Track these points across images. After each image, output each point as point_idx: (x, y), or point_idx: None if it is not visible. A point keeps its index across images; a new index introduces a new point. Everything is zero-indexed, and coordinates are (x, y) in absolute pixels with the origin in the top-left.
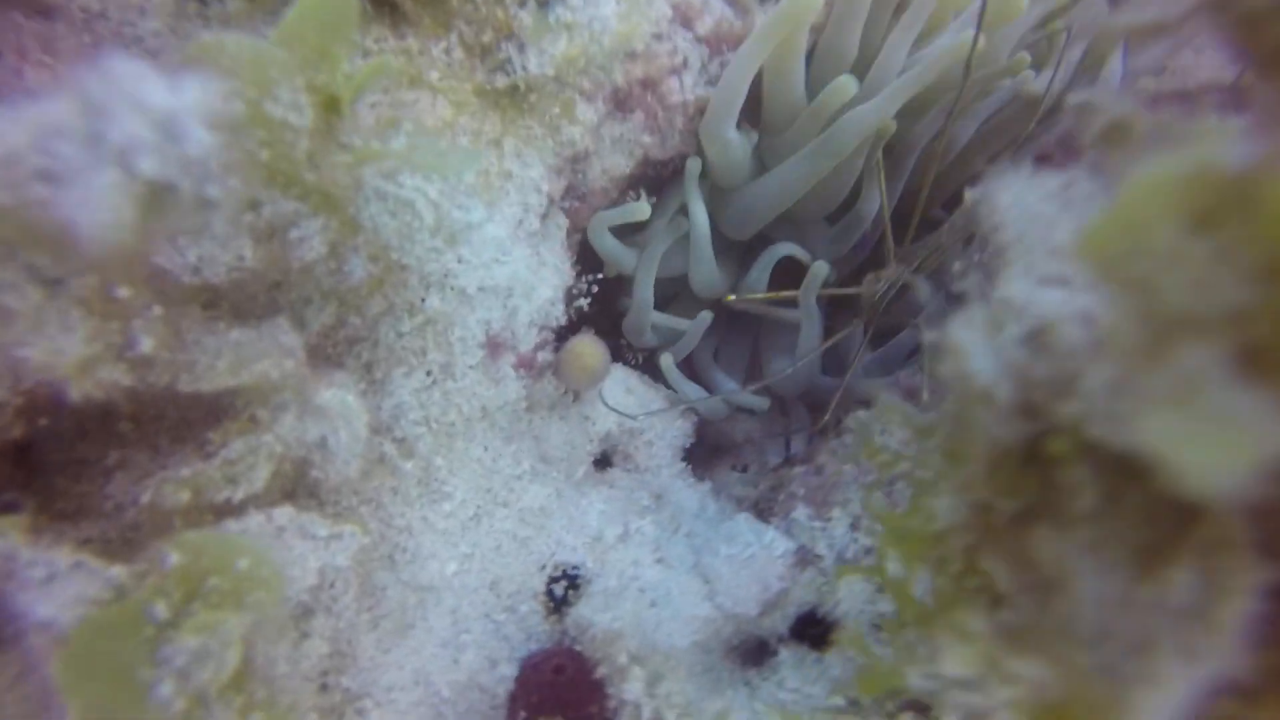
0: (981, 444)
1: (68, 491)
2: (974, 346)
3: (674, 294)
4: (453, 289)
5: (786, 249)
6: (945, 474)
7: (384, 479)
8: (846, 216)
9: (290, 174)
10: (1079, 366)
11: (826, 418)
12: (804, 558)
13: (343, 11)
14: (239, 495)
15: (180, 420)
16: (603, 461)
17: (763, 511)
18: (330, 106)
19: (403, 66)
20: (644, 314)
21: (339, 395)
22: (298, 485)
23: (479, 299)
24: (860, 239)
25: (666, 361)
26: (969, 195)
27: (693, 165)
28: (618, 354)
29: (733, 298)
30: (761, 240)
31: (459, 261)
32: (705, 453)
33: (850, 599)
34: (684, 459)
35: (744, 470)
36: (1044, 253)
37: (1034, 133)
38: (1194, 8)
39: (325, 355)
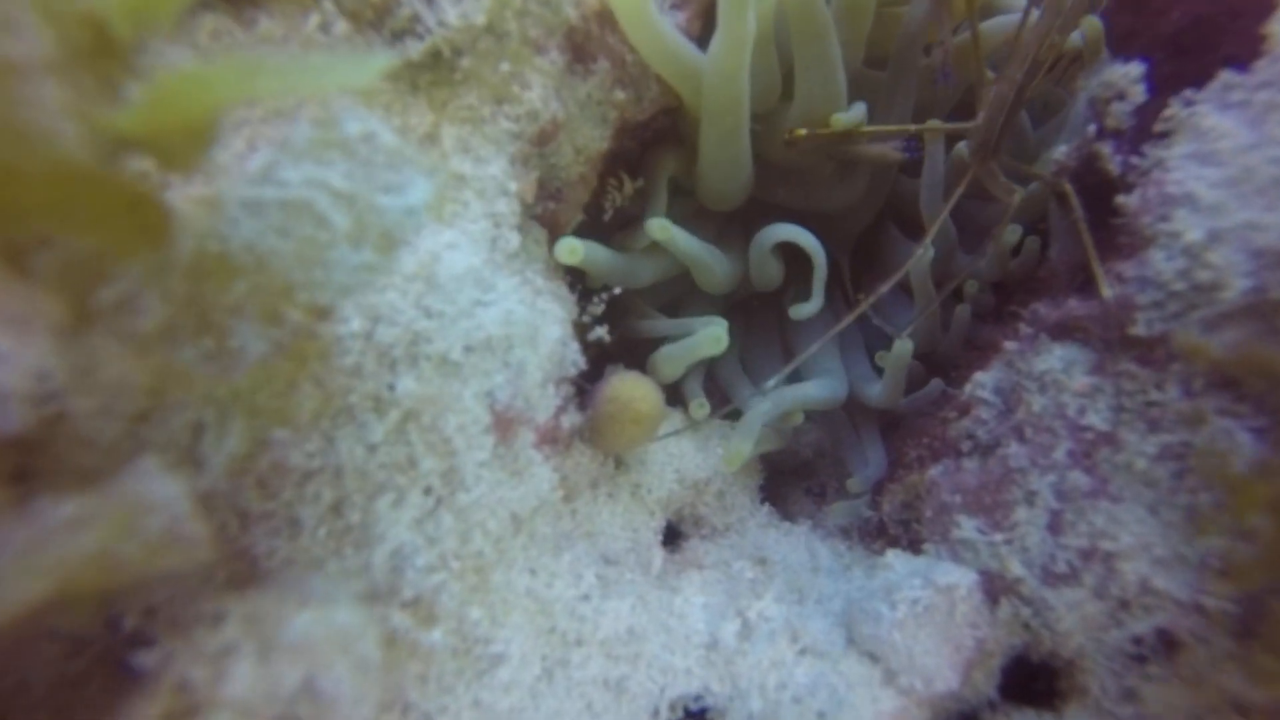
0: None
1: None
2: None
3: (679, 296)
4: (429, 359)
5: (783, 234)
6: None
7: (404, 666)
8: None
9: (57, 172)
10: None
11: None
12: (993, 587)
13: None
14: None
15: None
16: (672, 534)
17: (896, 538)
18: (100, 48)
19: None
20: (688, 353)
21: (323, 619)
22: None
23: (470, 364)
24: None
25: (753, 423)
26: None
27: (661, 169)
28: None
29: (802, 132)
30: (758, 206)
31: (427, 316)
32: (769, 478)
33: (1083, 626)
34: (763, 499)
35: (821, 493)
36: None
37: None
38: None
39: (255, 513)
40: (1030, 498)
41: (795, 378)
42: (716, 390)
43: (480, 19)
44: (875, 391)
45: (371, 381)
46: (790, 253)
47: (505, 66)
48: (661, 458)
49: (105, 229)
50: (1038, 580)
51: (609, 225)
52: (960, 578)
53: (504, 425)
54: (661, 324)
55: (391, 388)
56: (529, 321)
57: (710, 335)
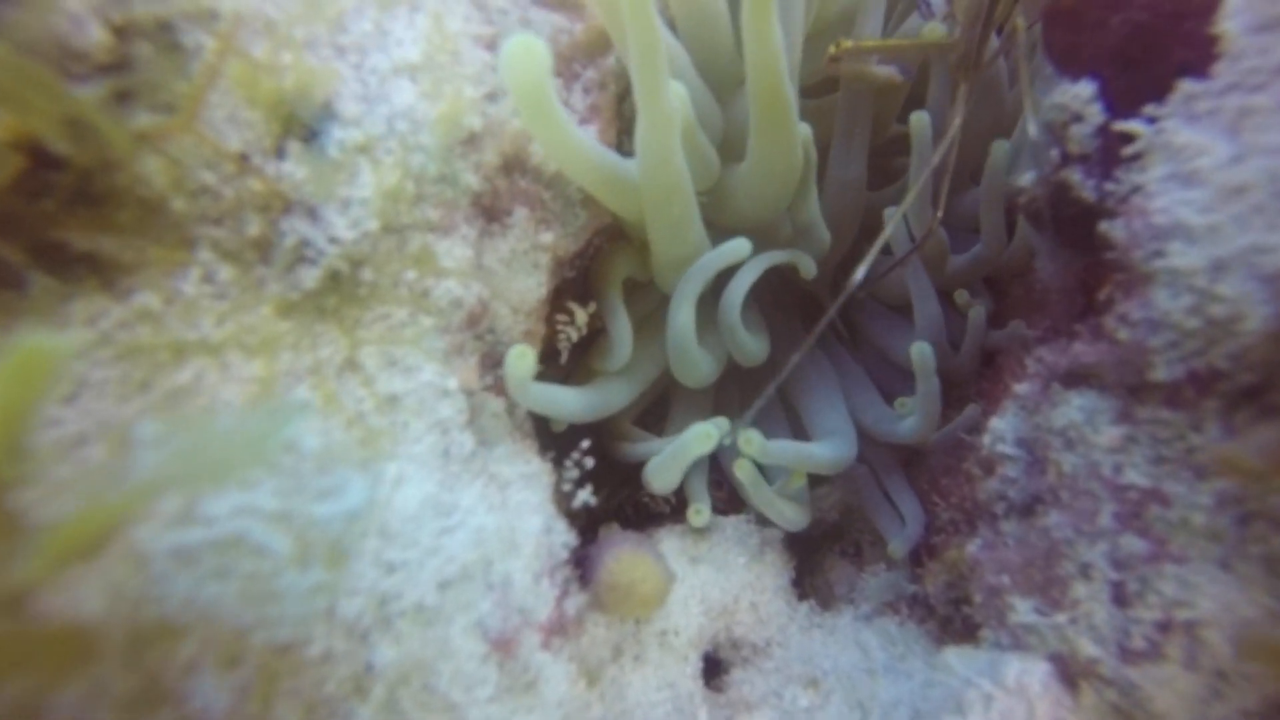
0: None
1: None
2: None
3: (665, 388)
4: (404, 615)
5: (736, 296)
6: None
7: None
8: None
9: None
10: None
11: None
12: (1068, 671)
13: None
14: None
15: None
16: (713, 666)
17: (951, 627)
18: None
19: (145, 339)
20: (679, 459)
21: None
22: None
23: (450, 601)
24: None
25: (750, 473)
26: None
27: (611, 283)
28: (640, 520)
29: (849, 44)
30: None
31: (389, 571)
32: (800, 547)
33: (1182, 704)
34: (799, 595)
35: (856, 553)
36: None
37: None
38: None
39: None
40: (1085, 570)
41: (802, 438)
42: (723, 474)
43: (373, 224)
44: (906, 427)
45: (345, 664)
46: (774, 316)
47: (411, 274)
48: (683, 592)
49: (34, 670)
50: (1116, 659)
51: (570, 365)
52: (1030, 670)
53: (503, 645)
54: (650, 445)
55: (370, 666)
56: (503, 528)
57: (698, 435)
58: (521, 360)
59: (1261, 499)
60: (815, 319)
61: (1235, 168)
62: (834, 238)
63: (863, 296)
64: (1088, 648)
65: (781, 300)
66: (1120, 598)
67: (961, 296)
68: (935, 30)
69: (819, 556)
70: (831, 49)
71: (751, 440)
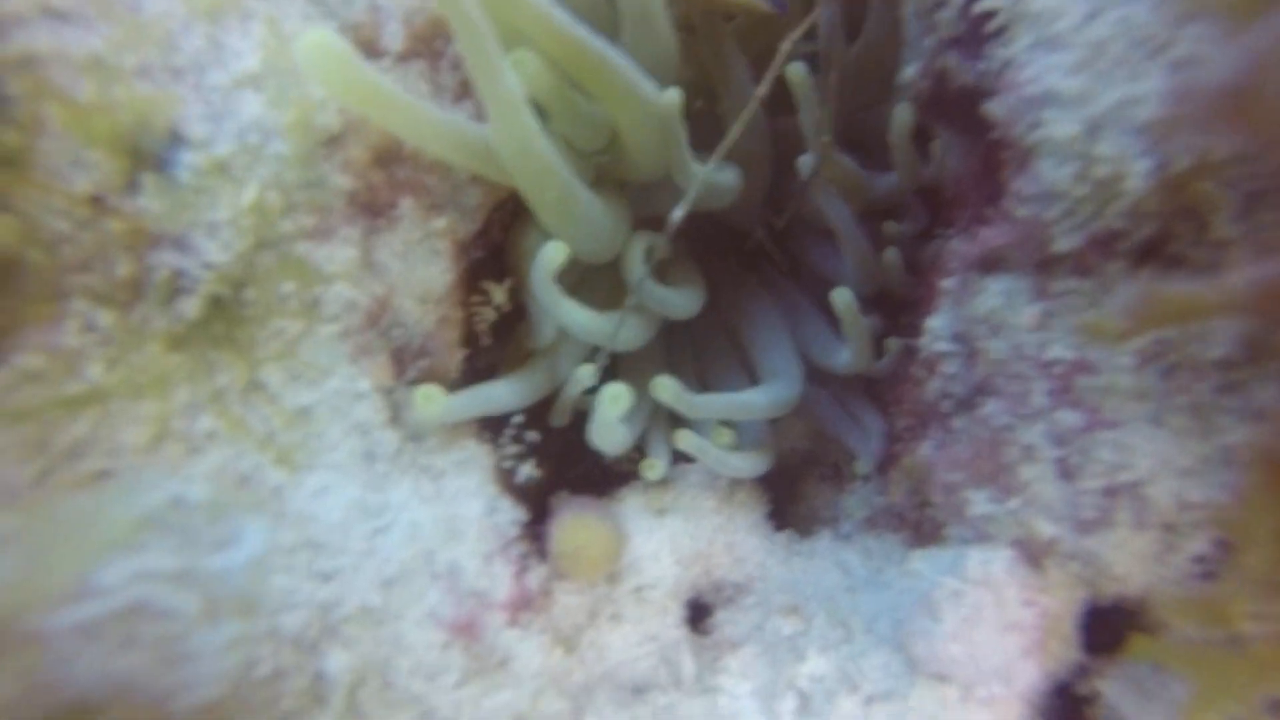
0: None
1: None
2: None
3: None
4: (350, 620)
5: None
6: None
7: None
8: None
9: None
10: None
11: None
12: (1031, 553)
13: None
14: None
15: None
16: (698, 611)
17: (922, 531)
18: None
19: (33, 398)
20: (605, 423)
21: None
22: None
23: (395, 598)
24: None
25: (693, 441)
26: None
27: (523, 254)
28: (601, 481)
29: None
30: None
31: (325, 580)
32: (780, 480)
33: (1139, 563)
34: (780, 526)
35: (835, 475)
36: None
37: None
38: None
39: None
40: (1029, 452)
41: (751, 379)
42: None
43: (245, 242)
44: (842, 359)
45: (298, 677)
46: (709, 259)
47: (292, 285)
48: (651, 546)
49: None
50: (1072, 533)
51: (495, 346)
52: (990, 559)
53: (463, 629)
54: (564, 402)
55: (320, 675)
56: (440, 518)
57: (609, 397)
58: (428, 403)
59: (1181, 349)
60: (749, 254)
61: (1092, 24)
62: (749, 176)
63: (783, 225)
64: (1044, 527)
65: (713, 242)
66: (1065, 472)
67: (891, 228)
68: None
69: (800, 485)
70: None
71: (666, 387)
